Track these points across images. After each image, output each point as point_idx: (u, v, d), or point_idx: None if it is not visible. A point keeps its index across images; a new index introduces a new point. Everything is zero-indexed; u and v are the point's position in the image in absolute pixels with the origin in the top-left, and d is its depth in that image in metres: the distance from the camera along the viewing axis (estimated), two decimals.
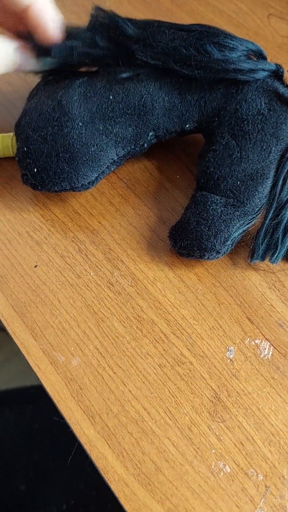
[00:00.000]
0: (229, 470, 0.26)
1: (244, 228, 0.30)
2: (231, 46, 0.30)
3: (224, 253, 0.30)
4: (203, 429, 0.27)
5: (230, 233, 0.30)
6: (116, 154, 0.32)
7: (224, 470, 0.26)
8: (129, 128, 0.31)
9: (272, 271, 0.32)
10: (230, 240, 0.30)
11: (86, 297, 0.31)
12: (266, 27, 0.44)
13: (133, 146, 0.32)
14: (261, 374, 0.29)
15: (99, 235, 0.33)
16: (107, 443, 0.27)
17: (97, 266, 0.32)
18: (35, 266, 0.32)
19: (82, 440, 0.27)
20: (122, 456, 0.26)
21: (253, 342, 0.30)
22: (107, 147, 0.31)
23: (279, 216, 0.30)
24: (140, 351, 0.29)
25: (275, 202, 0.30)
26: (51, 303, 0.31)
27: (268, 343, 0.30)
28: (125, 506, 0.25)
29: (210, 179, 0.31)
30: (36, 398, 0.58)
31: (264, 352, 0.29)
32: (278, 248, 0.30)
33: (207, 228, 0.29)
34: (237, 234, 0.30)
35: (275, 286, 0.31)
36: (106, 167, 0.32)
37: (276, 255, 0.30)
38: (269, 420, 0.27)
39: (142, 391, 0.28)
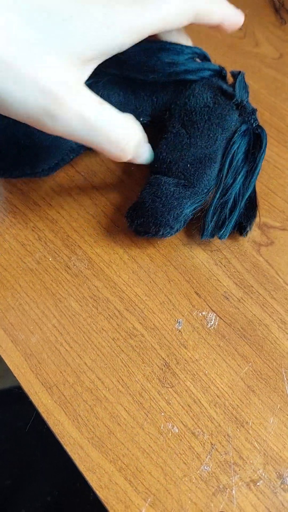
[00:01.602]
0: (177, 431, 0.28)
1: (195, 206, 0.32)
2: (177, 49, 0.33)
3: (178, 230, 0.32)
4: (153, 395, 0.29)
5: (182, 210, 0.32)
6: (75, 142, 0.34)
7: (173, 430, 0.28)
8: None
9: (218, 249, 0.34)
10: (182, 216, 0.32)
11: (45, 281, 0.33)
12: None
13: None
14: (207, 343, 0.31)
15: (58, 224, 0.35)
16: (64, 410, 0.29)
17: (55, 252, 0.34)
18: None
19: (40, 409, 0.29)
20: (77, 421, 0.28)
21: (200, 314, 0.32)
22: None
23: (226, 196, 0.33)
24: (96, 326, 0.31)
25: (222, 183, 0.33)
26: (12, 287, 0.33)
27: (215, 314, 0.32)
28: (80, 466, 0.27)
29: (163, 163, 0.33)
30: (19, 398, 0.59)
31: (211, 322, 0.31)
32: (225, 225, 0.32)
33: (161, 205, 0.31)
34: (188, 211, 0.32)
35: (221, 263, 0.33)
36: (66, 154, 0.35)
37: (223, 230, 0.32)
38: (215, 383, 0.29)
39: (97, 362, 0.30)
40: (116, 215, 0.36)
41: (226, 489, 0.26)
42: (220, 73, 0.35)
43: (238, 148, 0.33)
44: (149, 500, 0.26)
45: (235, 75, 0.36)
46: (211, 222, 0.33)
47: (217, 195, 0.33)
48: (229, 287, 0.33)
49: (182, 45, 0.33)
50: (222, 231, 0.32)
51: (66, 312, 0.32)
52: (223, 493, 0.26)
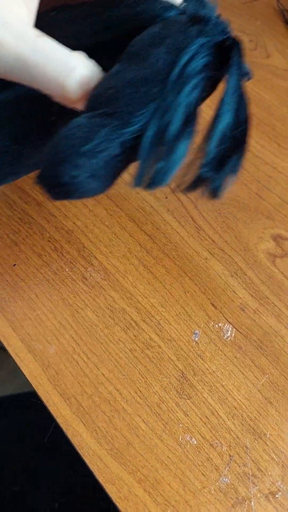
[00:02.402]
0: (195, 442, 0.28)
1: (118, 136, 0.22)
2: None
3: (95, 171, 0.23)
4: (171, 406, 0.29)
5: (93, 140, 0.22)
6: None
7: (191, 442, 0.28)
8: None
9: (233, 261, 0.34)
10: (100, 155, 0.22)
11: (61, 291, 0.33)
12: None
13: None
14: (224, 354, 0.31)
15: (74, 234, 0.36)
16: (82, 421, 0.29)
17: (71, 263, 0.34)
18: (14, 265, 0.34)
19: (59, 420, 0.29)
20: (96, 433, 0.28)
21: (216, 325, 0.32)
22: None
23: (166, 117, 0.22)
24: (113, 337, 0.32)
25: (162, 106, 0.23)
26: (29, 298, 0.33)
27: (231, 326, 0.32)
28: (99, 478, 0.27)
29: (91, 100, 0.24)
30: (26, 404, 0.59)
31: (227, 334, 0.32)
32: (164, 162, 0.22)
33: (64, 141, 0.22)
34: (110, 149, 0.22)
35: (236, 274, 0.34)
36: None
37: (159, 169, 0.22)
38: (232, 395, 0.30)
39: (114, 373, 0.30)
40: (130, 226, 0.36)
41: (245, 501, 0.27)
42: (185, 12, 0.25)
43: (190, 60, 0.23)
44: (168, 511, 0.26)
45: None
46: (145, 156, 0.22)
47: (155, 115, 0.22)
48: (244, 299, 0.33)
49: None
50: (161, 173, 0.22)
51: (83, 322, 0.32)
52: (242, 505, 0.27)
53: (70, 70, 0.24)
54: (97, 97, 0.23)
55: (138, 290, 0.33)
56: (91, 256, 0.35)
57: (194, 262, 0.34)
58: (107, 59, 0.25)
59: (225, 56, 0.24)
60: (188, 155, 0.23)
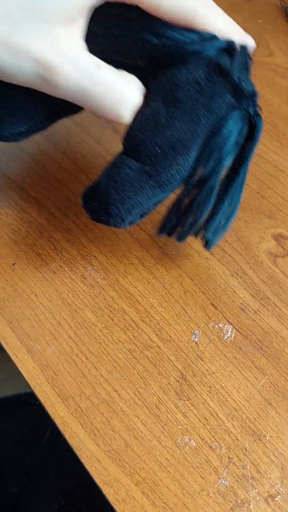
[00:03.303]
0: (194, 444, 0.28)
1: (157, 199, 0.29)
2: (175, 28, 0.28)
3: (132, 222, 0.29)
4: (170, 407, 0.29)
5: (140, 202, 0.28)
6: (48, 108, 0.30)
7: (190, 444, 0.28)
8: None
9: (234, 260, 0.34)
10: (138, 209, 0.28)
11: (61, 291, 0.33)
12: None
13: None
14: (224, 355, 0.31)
15: (73, 234, 0.35)
16: (80, 423, 0.28)
17: (71, 262, 0.34)
18: (13, 264, 0.34)
19: (57, 421, 0.29)
20: (94, 434, 0.28)
21: (216, 325, 0.32)
22: (37, 101, 0.29)
23: (197, 190, 0.28)
24: (112, 338, 0.31)
25: (191, 180, 0.28)
26: (28, 297, 0.33)
27: (231, 326, 0.31)
28: (97, 480, 0.27)
29: (131, 141, 0.28)
30: (26, 404, 0.59)
31: (227, 334, 0.31)
32: (184, 228, 0.30)
33: (115, 193, 0.28)
34: (148, 204, 0.28)
35: (237, 274, 0.33)
36: (40, 122, 0.31)
37: (181, 232, 0.30)
38: (232, 396, 0.29)
39: (113, 374, 0.30)
40: (132, 226, 0.36)
41: (244, 503, 0.26)
42: (229, 49, 0.28)
43: (228, 135, 0.27)
44: None
45: (233, 48, 0.28)
46: (170, 221, 0.30)
47: (187, 187, 0.28)
48: (245, 299, 0.33)
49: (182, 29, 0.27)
50: (180, 233, 0.30)
51: (82, 323, 0.32)
52: (241, 508, 0.26)
53: (127, 101, 0.28)
54: (144, 145, 0.28)
55: (138, 290, 0.33)
56: (91, 255, 0.34)
57: (194, 262, 0.34)
58: (135, 73, 0.29)
59: (251, 128, 0.28)
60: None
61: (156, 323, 0.32)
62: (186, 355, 0.31)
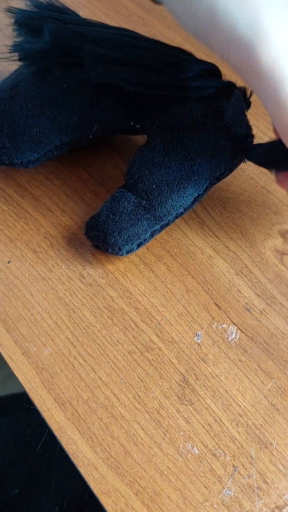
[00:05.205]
0: (197, 452, 0.27)
1: (153, 230, 0.31)
2: (185, 65, 0.30)
3: (128, 251, 0.31)
4: (171, 412, 0.28)
5: (136, 233, 0.30)
6: (60, 140, 0.33)
7: (192, 451, 0.27)
8: (74, 117, 0.32)
9: (239, 258, 0.33)
10: (135, 239, 0.31)
11: (57, 290, 0.32)
12: None
13: (77, 135, 0.33)
14: (228, 357, 0.29)
15: (71, 230, 0.34)
16: (77, 428, 0.27)
17: (68, 260, 0.33)
18: (9, 262, 0.33)
19: (53, 426, 0.27)
20: (91, 441, 0.27)
21: (220, 326, 0.30)
22: (50, 132, 0.32)
23: None
24: (111, 339, 0.30)
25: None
26: (23, 297, 0.31)
27: (236, 327, 0.30)
28: (94, 489, 0.26)
29: (130, 177, 0.32)
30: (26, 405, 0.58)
31: (232, 336, 0.30)
32: None
33: (113, 224, 0.30)
34: (144, 235, 0.31)
35: (242, 273, 0.32)
36: (49, 150, 0.34)
37: None
38: (237, 401, 0.28)
39: (112, 377, 0.29)
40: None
41: None
42: (226, 90, 0.30)
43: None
44: None
45: (230, 93, 0.30)
46: None
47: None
48: (250, 298, 0.31)
49: (193, 60, 0.30)
50: None
51: (80, 323, 0.30)
52: None
53: None
54: (142, 182, 0.31)
55: (138, 289, 0.32)
56: (89, 252, 0.33)
57: (197, 260, 0.33)
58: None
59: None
60: None
61: (157, 323, 0.30)
62: (189, 357, 0.29)
